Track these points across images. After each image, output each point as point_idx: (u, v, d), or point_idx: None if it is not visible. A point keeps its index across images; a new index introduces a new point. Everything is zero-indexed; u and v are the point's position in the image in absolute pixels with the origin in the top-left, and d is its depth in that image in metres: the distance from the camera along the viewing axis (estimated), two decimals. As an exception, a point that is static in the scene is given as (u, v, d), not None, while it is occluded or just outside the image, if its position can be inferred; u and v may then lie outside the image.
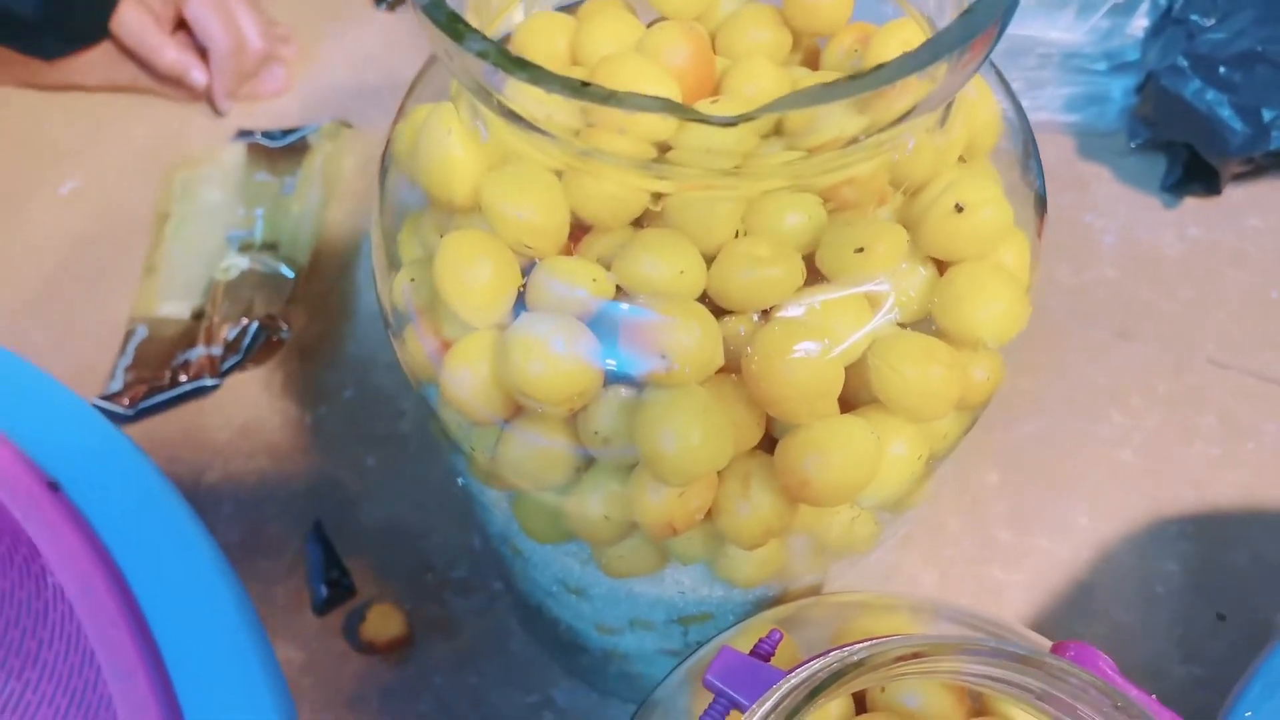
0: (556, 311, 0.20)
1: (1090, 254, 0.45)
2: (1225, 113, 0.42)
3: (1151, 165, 0.47)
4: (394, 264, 0.24)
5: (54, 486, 0.24)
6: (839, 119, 0.18)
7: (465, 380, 0.21)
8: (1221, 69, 0.42)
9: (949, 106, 0.21)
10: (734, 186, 0.18)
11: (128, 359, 0.44)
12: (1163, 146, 0.45)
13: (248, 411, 0.43)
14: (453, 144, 0.20)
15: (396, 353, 0.24)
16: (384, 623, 0.37)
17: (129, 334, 0.45)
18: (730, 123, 0.15)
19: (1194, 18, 0.43)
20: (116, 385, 0.43)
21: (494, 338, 0.21)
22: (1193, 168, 0.45)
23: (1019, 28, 0.45)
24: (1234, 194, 0.46)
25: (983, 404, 0.22)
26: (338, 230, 0.49)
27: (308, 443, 0.42)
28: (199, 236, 0.47)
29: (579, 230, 0.22)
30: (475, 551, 0.39)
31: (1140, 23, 0.45)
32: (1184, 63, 0.42)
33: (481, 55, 0.15)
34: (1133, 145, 0.45)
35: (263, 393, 0.44)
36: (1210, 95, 0.42)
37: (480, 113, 0.20)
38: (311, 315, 0.46)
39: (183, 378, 0.43)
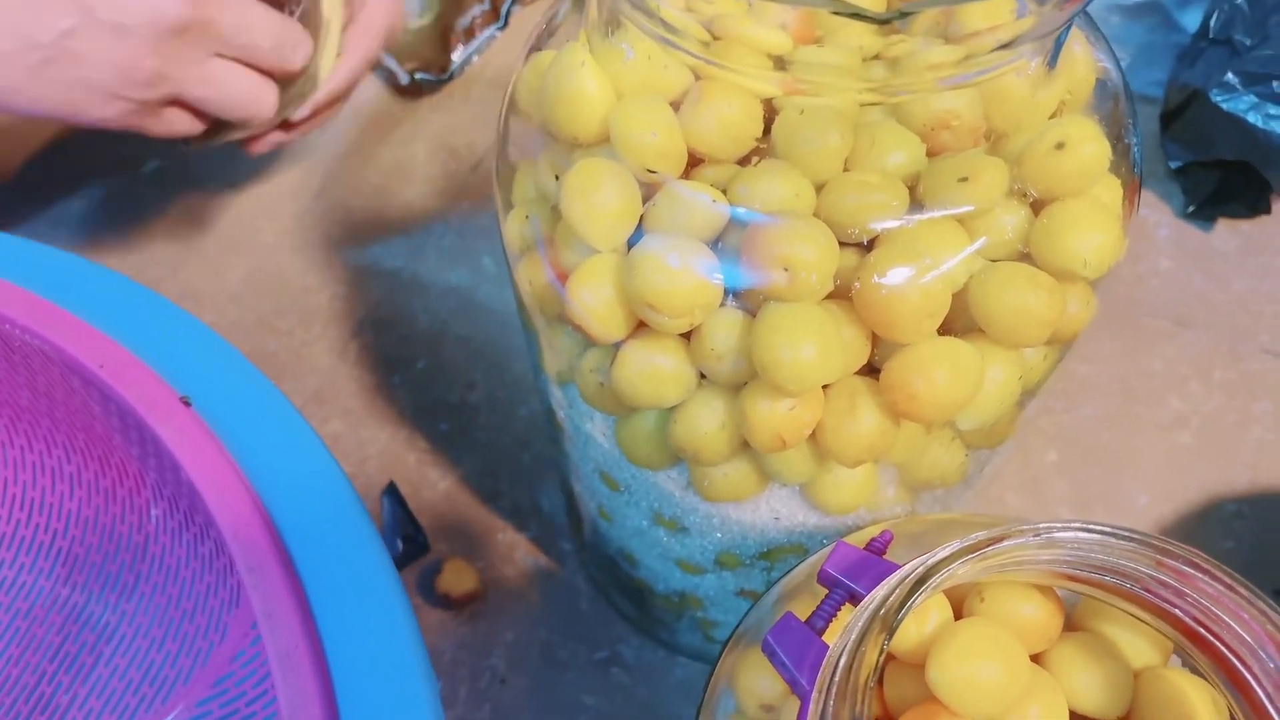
0: (678, 231, 0.21)
1: (1146, 246, 0.46)
2: None
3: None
4: (512, 204, 0.26)
5: (185, 402, 0.25)
6: (941, 49, 0.19)
7: (589, 299, 0.22)
8: (1275, 84, 0.42)
9: (1057, 54, 0.22)
10: (844, 90, 0.20)
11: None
12: (1197, 170, 0.45)
13: (322, 379, 0.45)
14: (585, 76, 0.22)
15: (515, 285, 0.25)
16: (459, 577, 0.38)
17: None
18: (887, 19, 0.16)
19: (1237, 37, 0.43)
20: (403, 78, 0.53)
21: (616, 260, 0.22)
22: (1225, 190, 0.45)
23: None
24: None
25: (1073, 337, 0.24)
26: (407, 211, 0.50)
27: (382, 409, 0.44)
28: None
29: (691, 165, 0.23)
30: (544, 513, 0.40)
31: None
32: (1234, 79, 0.43)
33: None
34: (1173, 167, 0.46)
35: (338, 362, 0.45)
36: (1270, 109, 0.42)
37: (627, 27, 0.21)
38: (385, 291, 0.47)
39: (478, 34, 0.53)
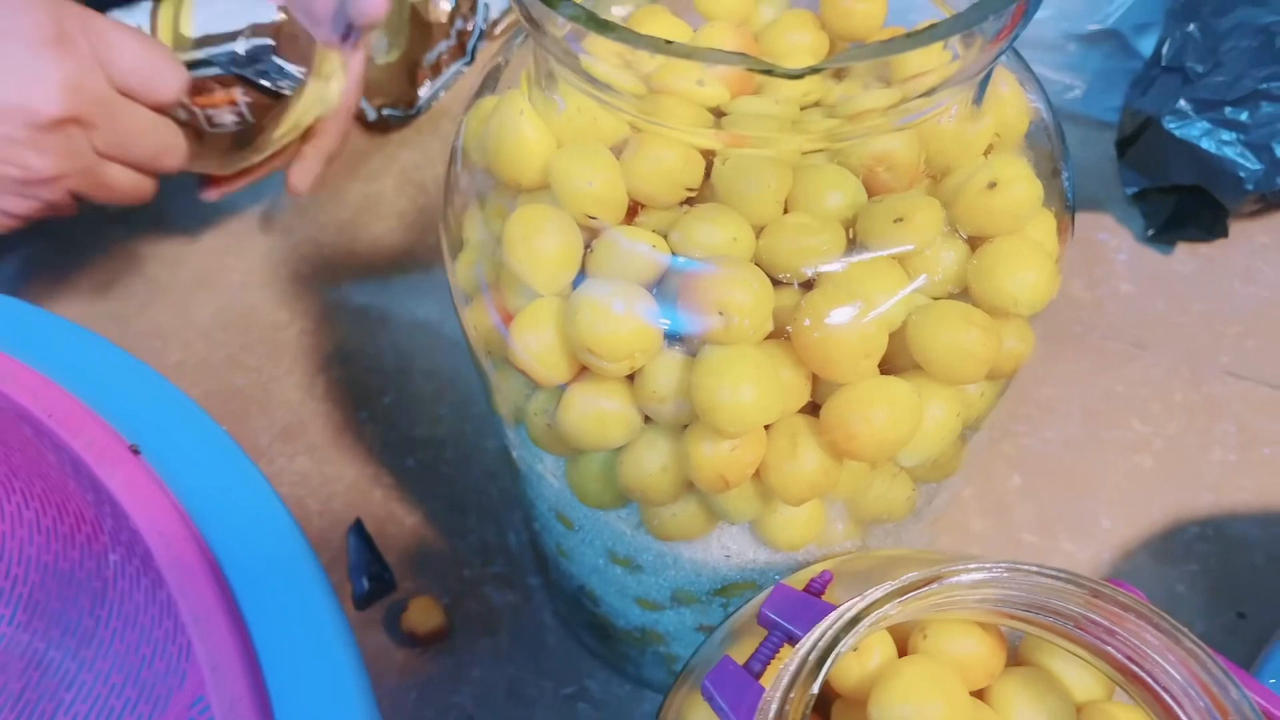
0: (619, 276, 0.22)
1: (1105, 270, 0.47)
2: (1236, 151, 0.42)
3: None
4: (459, 248, 0.26)
5: (134, 450, 0.25)
6: (876, 93, 0.19)
7: (532, 344, 0.22)
8: (1227, 110, 0.43)
9: (982, 93, 0.22)
10: (783, 142, 0.20)
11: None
12: (1155, 195, 0.46)
13: (290, 415, 0.45)
14: (524, 124, 0.22)
15: (462, 328, 0.26)
16: (425, 614, 0.38)
17: None
18: (798, 75, 0.17)
19: (1189, 64, 0.44)
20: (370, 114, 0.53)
21: (558, 305, 0.22)
22: (1182, 214, 0.45)
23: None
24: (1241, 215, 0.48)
25: (1012, 373, 0.24)
26: (375, 246, 0.51)
27: (349, 445, 0.44)
28: None
29: (633, 210, 0.23)
30: (511, 549, 0.40)
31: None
32: (1187, 106, 0.43)
33: (574, 19, 0.17)
34: (1129, 194, 0.46)
35: (305, 398, 0.45)
36: (1223, 135, 0.43)
37: (559, 82, 0.21)
38: (353, 326, 0.47)
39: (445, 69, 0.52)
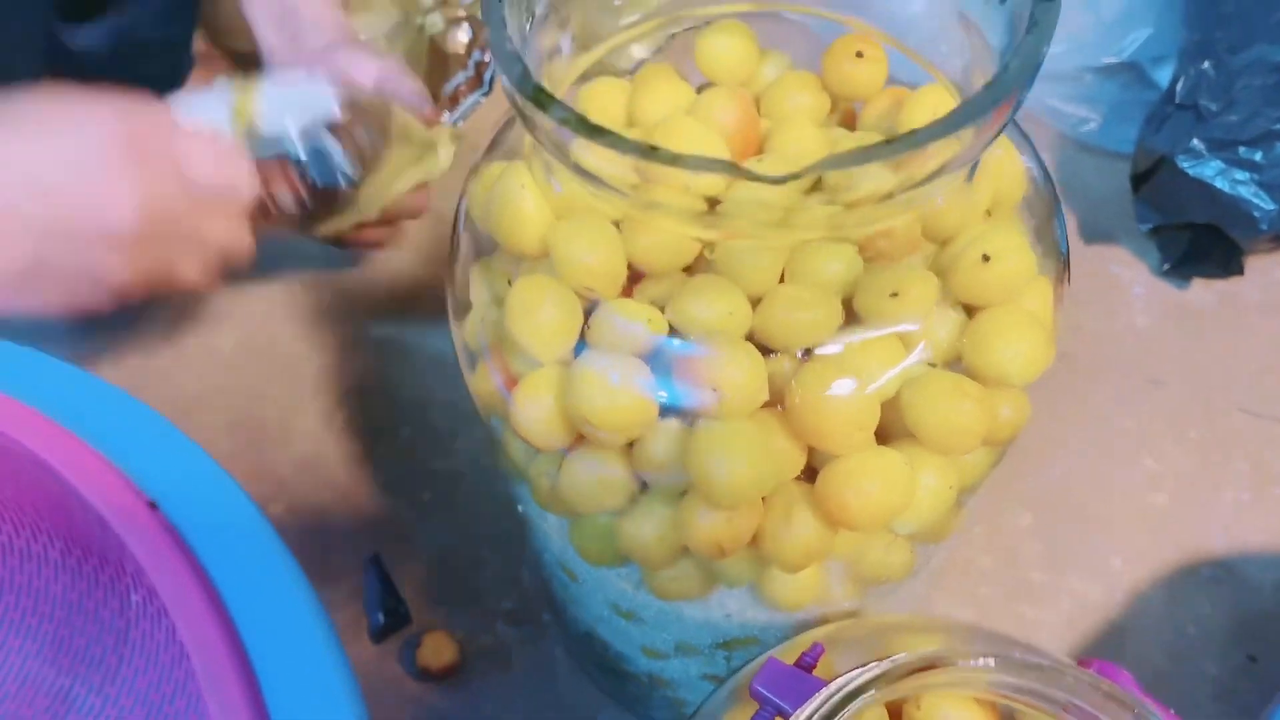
0: (615, 349, 0.22)
1: (1120, 304, 0.47)
2: (1251, 191, 0.42)
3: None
4: (465, 308, 0.26)
5: (152, 506, 0.26)
6: (875, 177, 0.20)
7: (533, 412, 0.23)
8: (1241, 150, 0.42)
9: (975, 165, 0.22)
10: (778, 237, 0.20)
11: None
12: (1170, 231, 0.45)
13: (309, 447, 0.45)
14: (525, 198, 0.23)
15: (468, 387, 0.26)
16: (438, 649, 0.38)
17: None
18: (779, 181, 0.17)
19: (1203, 102, 0.43)
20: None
21: (559, 373, 0.23)
22: (1198, 249, 0.45)
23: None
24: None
25: (1008, 440, 0.24)
26: (395, 278, 0.51)
27: (367, 478, 0.44)
28: None
29: (635, 276, 0.24)
30: (524, 584, 0.41)
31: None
32: (1200, 145, 0.43)
33: (563, 122, 0.18)
34: (1144, 230, 0.46)
35: (325, 430, 0.46)
36: (1236, 175, 0.42)
37: (554, 169, 0.22)
38: (373, 359, 0.48)
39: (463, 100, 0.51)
